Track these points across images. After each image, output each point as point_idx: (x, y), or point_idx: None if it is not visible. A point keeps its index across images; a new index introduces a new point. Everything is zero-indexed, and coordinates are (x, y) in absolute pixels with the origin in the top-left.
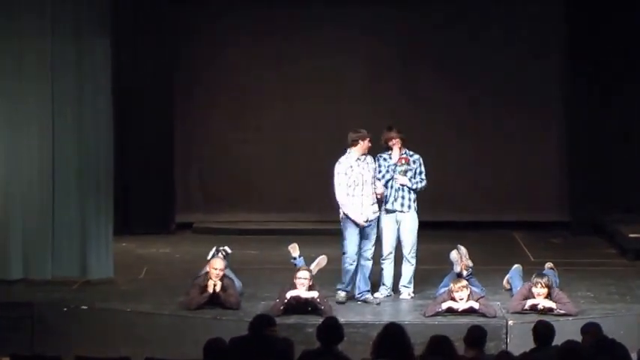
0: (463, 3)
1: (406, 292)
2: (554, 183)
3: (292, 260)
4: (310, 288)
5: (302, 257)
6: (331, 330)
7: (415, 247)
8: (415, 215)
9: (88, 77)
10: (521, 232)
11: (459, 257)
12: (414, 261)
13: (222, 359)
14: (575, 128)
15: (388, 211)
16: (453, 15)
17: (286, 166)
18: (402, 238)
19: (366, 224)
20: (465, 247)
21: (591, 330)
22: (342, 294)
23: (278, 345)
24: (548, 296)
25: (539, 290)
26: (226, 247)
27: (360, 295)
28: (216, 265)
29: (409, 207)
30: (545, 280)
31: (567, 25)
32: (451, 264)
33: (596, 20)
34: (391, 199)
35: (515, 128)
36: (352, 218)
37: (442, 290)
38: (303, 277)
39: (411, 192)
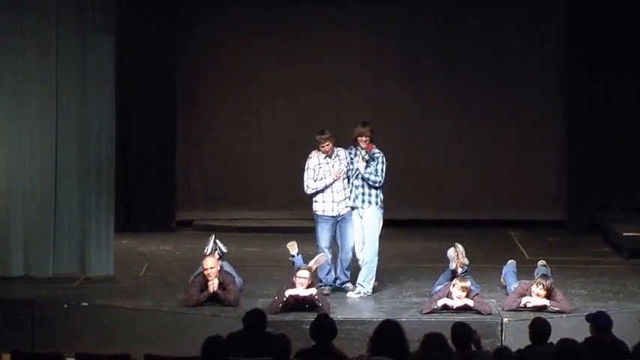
0: (464, 2)
1: (362, 290)
2: (551, 182)
3: (291, 258)
4: (309, 286)
5: (300, 255)
6: (324, 327)
7: (373, 244)
8: (375, 210)
9: (91, 75)
10: (518, 231)
11: (456, 255)
12: (370, 258)
13: (221, 357)
14: (572, 128)
15: (353, 209)
16: (454, 14)
17: (286, 165)
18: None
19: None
20: (462, 244)
21: (608, 331)
22: (325, 289)
23: (275, 341)
24: (546, 298)
25: (539, 291)
26: (221, 246)
27: (339, 284)
28: (207, 265)
29: (369, 202)
30: (548, 283)
31: (568, 25)
32: (448, 261)
33: (596, 20)
34: (352, 196)
35: (513, 127)
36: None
37: (438, 288)
38: (303, 277)
39: (371, 188)
